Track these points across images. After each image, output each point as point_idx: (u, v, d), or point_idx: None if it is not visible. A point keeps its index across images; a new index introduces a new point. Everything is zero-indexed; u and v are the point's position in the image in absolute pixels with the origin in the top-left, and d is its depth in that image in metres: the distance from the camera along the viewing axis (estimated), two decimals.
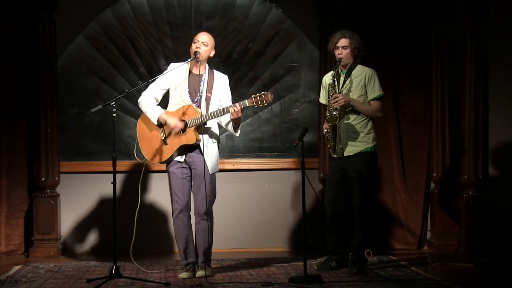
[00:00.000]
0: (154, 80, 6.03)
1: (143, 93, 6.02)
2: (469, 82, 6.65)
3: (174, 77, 5.97)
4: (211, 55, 6.01)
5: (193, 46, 5.90)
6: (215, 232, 6.00)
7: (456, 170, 7.05)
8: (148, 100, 5.96)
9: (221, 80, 6.02)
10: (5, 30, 7.17)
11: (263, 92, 5.75)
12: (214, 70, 6.06)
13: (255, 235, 7.50)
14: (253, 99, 5.76)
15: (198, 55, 5.86)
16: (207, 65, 6.00)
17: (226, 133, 7.49)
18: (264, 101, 5.73)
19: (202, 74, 5.96)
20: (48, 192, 7.19)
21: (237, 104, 5.77)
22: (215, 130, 5.99)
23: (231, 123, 5.90)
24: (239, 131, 5.97)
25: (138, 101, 6.02)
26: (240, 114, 5.78)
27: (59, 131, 7.24)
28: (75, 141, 7.47)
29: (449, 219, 7.20)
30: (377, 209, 7.28)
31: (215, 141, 5.98)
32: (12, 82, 7.20)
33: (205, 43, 5.90)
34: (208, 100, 5.92)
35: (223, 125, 6.04)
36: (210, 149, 5.91)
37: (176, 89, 5.95)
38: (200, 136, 5.84)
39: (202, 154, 5.86)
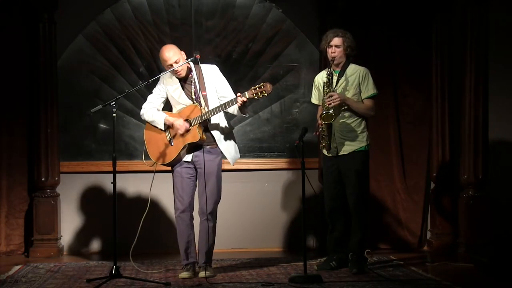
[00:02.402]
0: (154, 79, 6.03)
1: (144, 105, 6.04)
2: (469, 82, 6.66)
3: (167, 86, 5.99)
4: (184, 59, 5.91)
5: (165, 65, 5.87)
6: None
7: (456, 170, 7.05)
8: (149, 110, 5.98)
9: (210, 72, 5.99)
10: (5, 30, 7.17)
11: (262, 84, 5.75)
12: (201, 65, 5.95)
13: (255, 235, 7.50)
14: (253, 90, 5.75)
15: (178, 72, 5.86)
16: (192, 65, 5.97)
17: None
18: (264, 92, 5.72)
19: (191, 76, 5.95)
20: (48, 192, 7.19)
21: (240, 94, 5.76)
22: (223, 123, 5.97)
23: (237, 111, 5.90)
24: (247, 114, 5.98)
25: (141, 113, 6.05)
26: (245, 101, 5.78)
27: (59, 131, 7.24)
28: (75, 141, 7.47)
29: (449, 219, 7.19)
30: (377, 209, 7.30)
31: (229, 130, 5.97)
32: (12, 82, 7.20)
33: (177, 61, 5.84)
34: (205, 98, 5.91)
35: (230, 112, 6.01)
36: (225, 142, 5.92)
37: (172, 96, 5.97)
38: (208, 134, 5.85)
39: (212, 152, 5.87)
